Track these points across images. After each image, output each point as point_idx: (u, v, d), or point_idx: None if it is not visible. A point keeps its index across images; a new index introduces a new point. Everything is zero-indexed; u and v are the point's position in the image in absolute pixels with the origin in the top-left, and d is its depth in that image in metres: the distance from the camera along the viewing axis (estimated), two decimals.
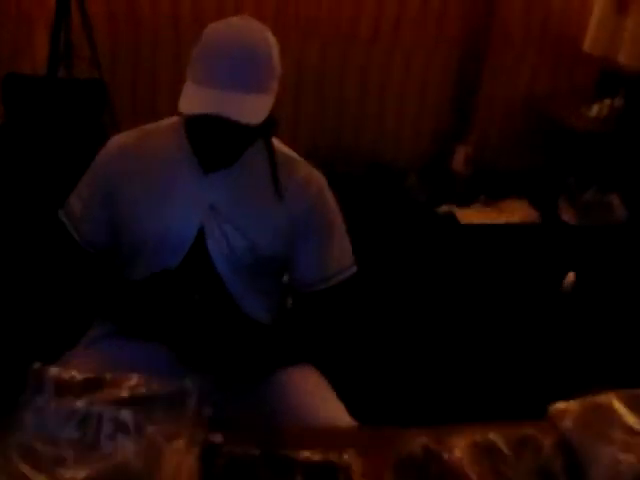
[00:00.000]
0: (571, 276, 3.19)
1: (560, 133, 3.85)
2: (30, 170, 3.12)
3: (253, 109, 1.28)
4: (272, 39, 1.34)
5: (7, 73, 3.05)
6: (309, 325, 1.55)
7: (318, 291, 1.51)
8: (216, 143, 1.33)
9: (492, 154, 4.06)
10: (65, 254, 1.56)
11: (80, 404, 1.10)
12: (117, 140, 1.51)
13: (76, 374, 1.15)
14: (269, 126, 1.40)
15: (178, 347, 1.40)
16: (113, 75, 3.58)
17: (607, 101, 3.72)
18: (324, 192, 1.51)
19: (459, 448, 1.15)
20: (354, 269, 1.54)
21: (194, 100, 1.27)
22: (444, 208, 3.86)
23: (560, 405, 1.27)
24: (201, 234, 1.45)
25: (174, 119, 1.50)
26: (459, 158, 3.95)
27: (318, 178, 1.51)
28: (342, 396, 1.52)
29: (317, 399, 1.47)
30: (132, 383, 1.13)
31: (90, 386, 1.13)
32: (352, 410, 1.48)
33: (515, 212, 3.90)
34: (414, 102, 4.00)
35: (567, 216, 3.85)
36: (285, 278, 1.61)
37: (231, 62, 1.27)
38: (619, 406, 1.22)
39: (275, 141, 1.49)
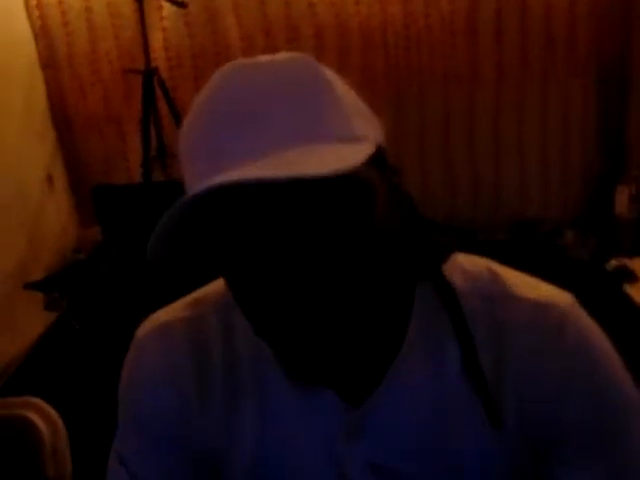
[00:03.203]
0: None
1: None
2: (137, 287, 2.75)
3: (340, 156, 0.59)
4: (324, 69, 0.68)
5: (95, 186, 2.71)
6: None
7: None
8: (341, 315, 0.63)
9: None
10: None
11: None
12: (150, 346, 0.82)
13: None
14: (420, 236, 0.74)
15: None
16: None
17: None
18: (593, 355, 0.75)
19: None
20: None
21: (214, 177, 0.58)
22: (613, 262, 3.22)
23: None
24: None
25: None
26: (622, 200, 3.32)
27: (575, 324, 0.75)
28: None
29: None
30: None
31: None
32: None
33: None
34: (556, 143, 3.43)
35: None
36: None
37: (268, 105, 0.62)
38: None
39: (451, 267, 0.78)
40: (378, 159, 0.67)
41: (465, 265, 0.78)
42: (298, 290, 0.60)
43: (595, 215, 3.45)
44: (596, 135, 3.46)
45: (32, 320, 2.80)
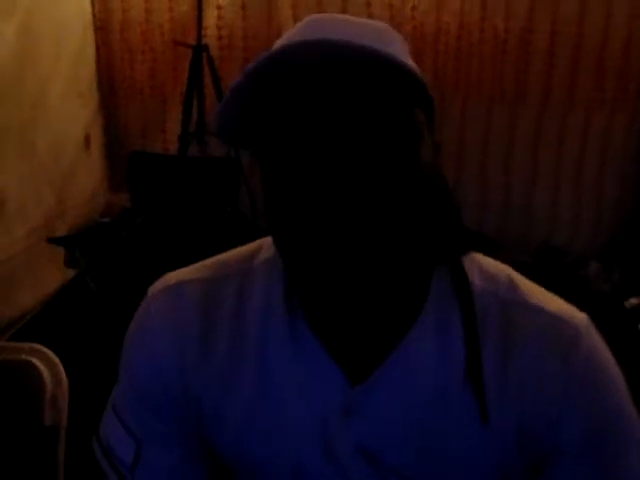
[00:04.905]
0: None
1: None
2: (156, 257, 2.78)
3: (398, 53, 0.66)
4: None
5: (132, 151, 2.74)
6: None
7: None
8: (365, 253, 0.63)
9: None
10: None
11: None
12: (160, 303, 0.82)
13: None
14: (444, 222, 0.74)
15: None
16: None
17: None
18: (602, 375, 0.75)
19: None
20: None
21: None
22: (633, 301, 3.19)
23: None
24: None
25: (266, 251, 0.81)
26: None
27: (588, 342, 0.75)
28: None
29: None
30: None
31: None
32: None
33: None
34: (592, 174, 3.40)
35: None
36: None
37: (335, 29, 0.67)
38: None
39: (470, 264, 0.78)
40: (429, 116, 0.70)
41: (485, 266, 0.79)
42: (331, 214, 0.62)
43: (622, 251, 3.40)
44: (634, 172, 3.42)
45: (51, 274, 2.84)
